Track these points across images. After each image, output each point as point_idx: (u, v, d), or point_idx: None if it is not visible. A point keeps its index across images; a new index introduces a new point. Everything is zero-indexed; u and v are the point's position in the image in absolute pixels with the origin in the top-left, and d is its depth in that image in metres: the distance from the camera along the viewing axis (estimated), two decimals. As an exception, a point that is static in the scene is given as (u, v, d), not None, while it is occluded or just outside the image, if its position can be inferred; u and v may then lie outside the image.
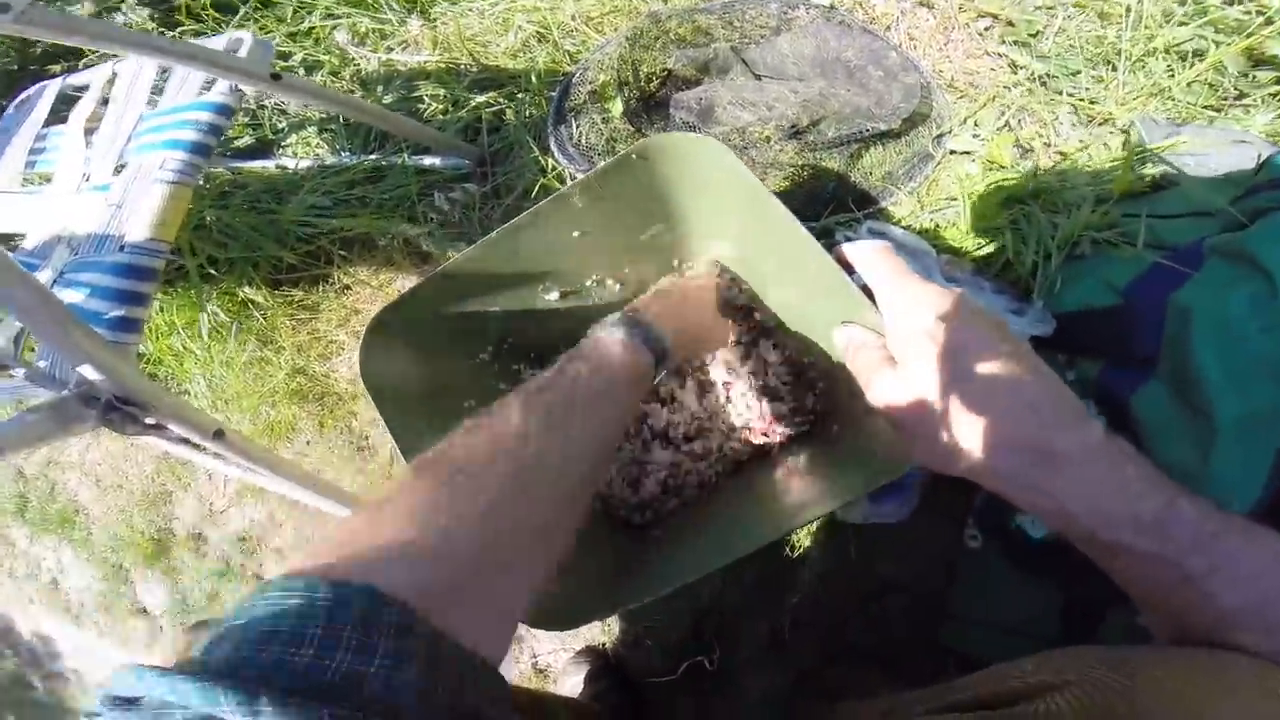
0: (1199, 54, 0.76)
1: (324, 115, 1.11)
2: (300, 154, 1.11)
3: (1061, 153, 0.78)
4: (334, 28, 1.11)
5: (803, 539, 0.78)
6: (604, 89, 0.89)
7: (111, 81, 0.83)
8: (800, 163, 0.80)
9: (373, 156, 1.03)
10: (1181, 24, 0.76)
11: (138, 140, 0.75)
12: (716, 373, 0.69)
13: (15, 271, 0.47)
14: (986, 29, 0.87)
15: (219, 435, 0.64)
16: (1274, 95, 0.73)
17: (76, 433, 0.57)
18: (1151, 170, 0.70)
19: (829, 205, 0.81)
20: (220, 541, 1.12)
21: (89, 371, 0.54)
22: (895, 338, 0.38)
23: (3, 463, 1.39)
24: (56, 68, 1.20)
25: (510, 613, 0.34)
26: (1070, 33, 0.82)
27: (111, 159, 0.75)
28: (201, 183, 0.90)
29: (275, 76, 0.72)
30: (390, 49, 1.09)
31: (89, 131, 0.81)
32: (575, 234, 0.60)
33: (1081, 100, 0.79)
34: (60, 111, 0.87)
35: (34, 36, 0.59)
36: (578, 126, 0.91)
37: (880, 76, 0.82)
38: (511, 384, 0.68)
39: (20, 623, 1.44)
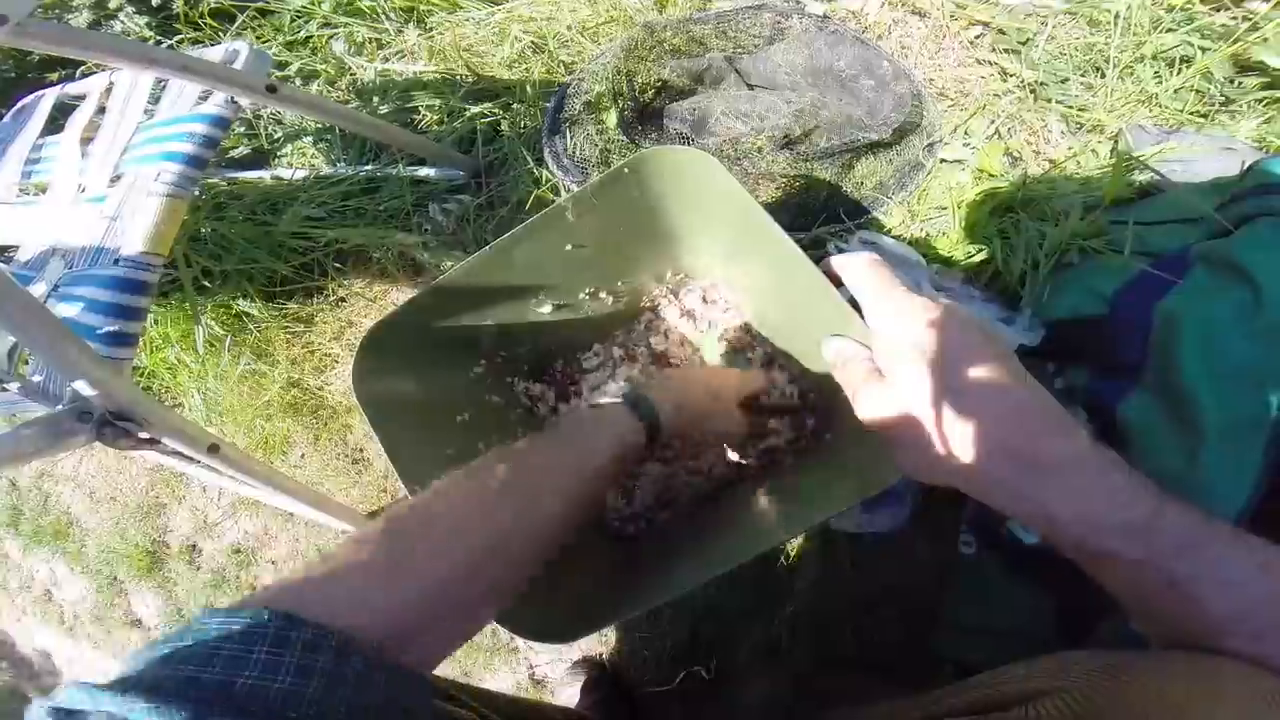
0: (1186, 60, 0.77)
1: (320, 125, 1.12)
2: (296, 164, 1.11)
3: (1051, 160, 0.79)
4: (331, 37, 1.12)
5: (797, 548, 0.78)
6: (599, 100, 0.89)
7: (108, 91, 0.83)
8: (793, 173, 0.80)
9: (368, 167, 1.03)
10: (1169, 31, 0.77)
11: (133, 151, 0.75)
12: None
13: (9, 286, 0.47)
14: (978, 37, 0.88)
15: (214, 450, 0.65)
16: (1260, 101, 0.74)
17: (70, 448, 0.57)
18: (1140, 177, 0.71)
19: (821, 215, 0.81)
20: (214, 553, 1.12)
21: (83, 387, 0.54)
22: (882, 350, 0.38)
23: (-3, 475, 1.38)
24: (54, 76, 1.20)
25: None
26: (1060, 40, 0.83)
27: (107, 170, 0.76)
28: (197, 194, 0.90)
29: (271, 89, 0.73)
30: (387, 59, 1.10)
31: (85, 141, 0.81)
32: (568, 247, 0.60)
33: (1071, 108, 0.80)
34: (57, 121, 0.87)
35: (30, 48, 0.59)
36: (573, 138, 0.91)
37: (872, 86, 0.82)
38: (504, 398, 0.68)
39: (14, 635, 1.43)
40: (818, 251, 0.78)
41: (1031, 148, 0.81)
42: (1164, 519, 0.31)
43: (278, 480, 0.77)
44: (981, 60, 0.86)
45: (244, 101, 0.77)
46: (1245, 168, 0.61)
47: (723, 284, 0.71)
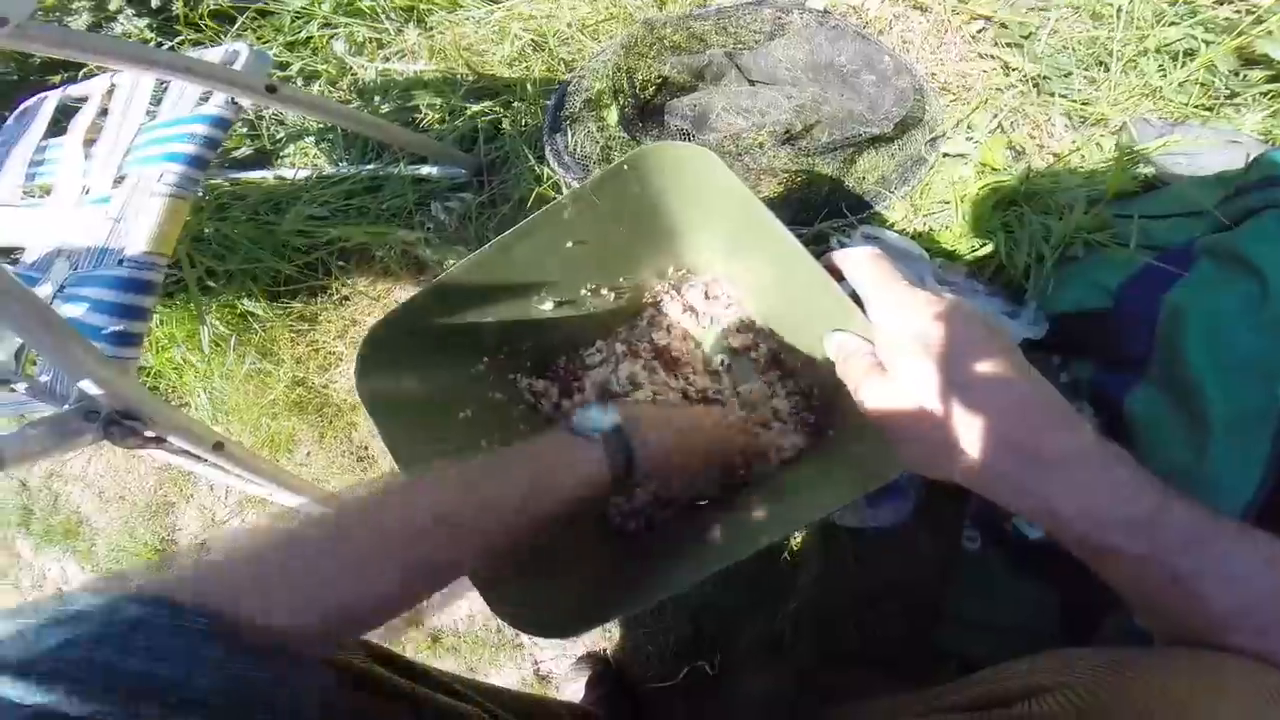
0: (1190, 54, 0.76)
1: (322, 125, 1.12)
2: (298, 164, 1.11)
3: (1054, 154, 0.79)
4: (331, 37, 1.12)
5: (800, 544, 0.78)
6: (599, 97, 0.89)
7: (110, 93, 0.84)
8: (794, 168, 0.80)
9: (370, 166, 1.04)
10: (1172, 24, 0.77)
11: (136, 152, 0.76)
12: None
13: (16, 288, 0.47)
14: (980, 31, 0.87)
15: (219, 448, 0.65)
16: (1265, 94, 0.73)
17: (78, 447, 0.57)
18: (1144, 171, 0.70)
19: (823, 210, 0.81)
20: (223, 551, 1.13)
21: (89, 386, 0.54)
22: (884, 344, 0.38)
23: (6, 476, 1.40)
24: (56, 78, 1.21)
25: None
26: (1063, 34, 0.82)
27: (110, 171, 0.76)
28: (200, 194, 0.91)
29: (271, 89, 0.73)
30: (387, 58, 1.10)
31: (88, 143, 0.82)
32: (569, 244, 0.60)
33: (1074, 101, 0.80)
34: (60, 123, 0.87)
35: (31, 50, 0.59)
36: (573, 135, 0.91)
37: (873, 81, 0.82)
38: (507, 394, 0.68)
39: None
40: (820, 247, 0.78)
41: (1035, 141, 0.80)
42: (1168, 514, 0.30)
43: (284, 478, 0.77)
44: (984, 54, 0.86)
45: (245, 102, 0.77)
46: (1250, 160, 0.60)
47: (725, 280, 0.71)
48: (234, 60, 0.74)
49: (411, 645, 0.93)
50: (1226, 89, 0.75)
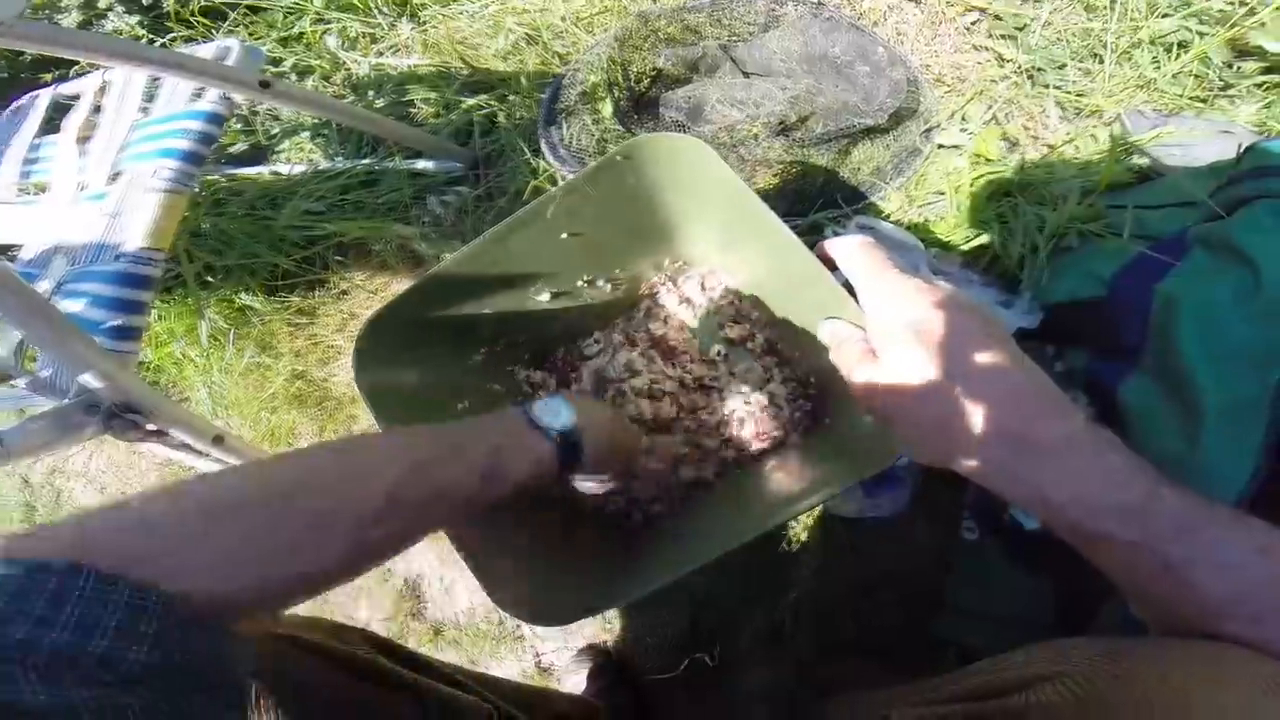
0: (1184, 46, 0.76)
1: (317, 120, 1.12)
2: (294, 159, 1.11)
3: (1049, 145, 0.79)
4: (324, 32, 1.12)
5: (798, 534, 0.79)
6: (594, 90, 0.89)
7: (103, 90, 0.84)
8: (789, 159, 0.80)
9: (366, 161, 1.04)
10: (1165, 16, 0.77)
11: (131, 149, 0.76)
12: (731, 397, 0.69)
13: (15, 283, 0.47)
14: (974, 23, 0.87)
15: (219, 441, 0.65)
16: (1259, 86, 0.74)
17: (79, 440, 0.58)
18: (1138, 162, 0.71)
19: (818, 201, 0.81)
20: (223, 546, 1.13)
21: (90, 380, 0.54)
22: (875, 331, 0.38)
23: (8, 471, 1.40)
24: (47, 76, 1.20)
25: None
26: (1057, 26, 0.82)
27: (106, 168, 0.76)
28: (196, 190, 0.91)
29: (264, 84, 0.73)
30: (381, 53, 1.10)
31: (82, 140, 0.81)
32: (564, 235, 0.60)
33: (1068, 93, 0.80)
34: (53, 120, 0.87)
35: (23, 48, 0.59)
36: (569, 128, 0.91)
37: (868, 72, 0.82)
38: (505, 385, 0.69)
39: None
40: (815, 237, 0.78)
41: (1029, 133, 0.81)
42: (1160, 501, 0.30)
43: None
44: (978, 46, 0.86)
45: (238, 98, 0.78)
46: (1242, 150, 0.61)
47: (720, 271, 0.71)
48: (226, 56, 0.74)
49: (414, 637, 0.94)
50: (1220, 81, 0.75)
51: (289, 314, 1.06)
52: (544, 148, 0.93)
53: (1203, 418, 0.51)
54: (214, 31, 1.13)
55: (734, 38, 0.89)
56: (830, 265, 0.43)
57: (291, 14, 1.13)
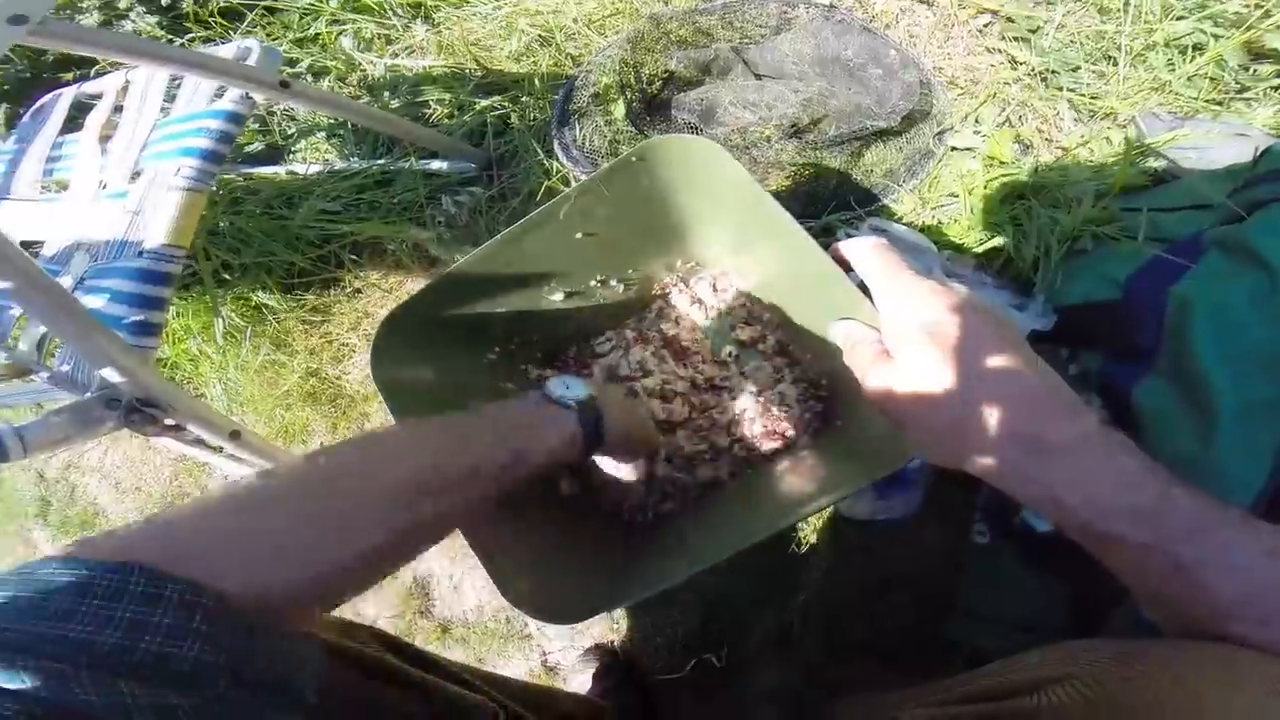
0: (1199, 48, 0.76)
1: (332, 121, 1.13)
2: (310, 159, 1.12)
3: (1063, 148, 0.79)
4: (340, 34, 1.13)
5: (809, 536, 0.79)
6: (606, 91, 0.90)
7: (125, 89, 0.85)
8: (801, 162, 0.81)
9: (381, 161, 1.05)
10: (1180, 18, 0.77)
11: (152, 148, 0.77)
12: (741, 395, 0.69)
13: (43, 279, 0.48)
14: (986, 25, 0.87)
15: (235, 436, 0.66)
16: (1275, 88, 0.73)
17: (99, 434, 0.59)
18: (1153, 164, 0.71)
19: (831, 203, 0.81)
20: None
21: (111, 374, 0.55)
22: (890, 332, 0.39)
23: (24, 466, 1.42)
24: (69, 75, 1.22)
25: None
26: (1070, 28, 0.82)
27: (127, 166, 0.77)
28: (215, 189, 0.92)
29: (284, 84, 0.74)
30: (396, 54, 1.11)
31: (104, 139, 0.83)
32: (578, 236, 0.61)
33: (1082, 95, 0.80)
34: (75, 119, 0.88)
35: (49, 47, 0.60)
36: (581, 129, 0.92)
37: (880, 74, 0.82)
38: (518, 384, 0.69)
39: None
40: (828, 239, 0.79)
41: (1043, 135, 0.80)
42: (1172, 503, 0.30)
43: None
44: (991, 48, 0.86)
45: (258, 97, 0.78)
46: (1259, 153, 0.60)
47: (733, 272, 0.72)
48: (246, 56, 0.75)
49: (421, 635, 0.95)
50: (1236, 83, 0.75)
51: (304, 312, 1.07)
52: (557, 149, 0.94)
53: (1218, 420, 0.51)
54: (231, 32, 1.15)
55: (746, 40, 0.90)
56: (845, 267, 0.44)
57: (308, 15, 1.14)
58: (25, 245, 0.83)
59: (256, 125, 1.17)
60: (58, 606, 0.25)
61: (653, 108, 0.90)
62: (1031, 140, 0.80)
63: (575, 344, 0.74)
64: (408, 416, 0.55)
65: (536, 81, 0.99)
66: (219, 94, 0.78)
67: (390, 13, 1.10)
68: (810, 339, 0.63)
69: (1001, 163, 0.78)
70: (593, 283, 0.68)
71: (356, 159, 1.07)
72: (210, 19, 1.14)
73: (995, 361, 0.34)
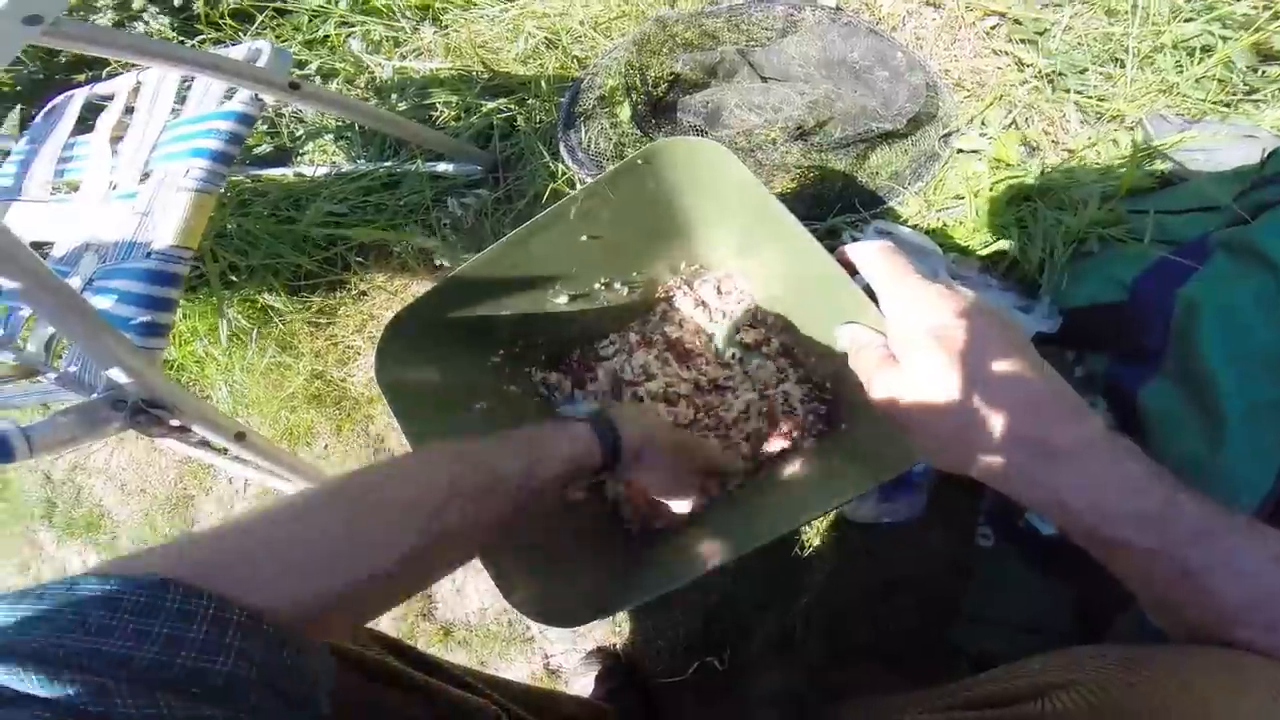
0: (1207, 50, 0.76)
1: (340, 123, 1.14)
2: (317, 161, 1.13)
3: (1069, 150, 0.78)
4: (348, 36, 1.14)
5: (812, 539, 0.79)
6: (612, 94, 0.90)
7: (136, 91, 0.86)
8: (807, 164, 0.81)
9: (388, 163, 1.05)
10: (1188, 20, 0.76)
11: (162, 149, 0.78)
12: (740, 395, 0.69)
13: (50, 279, 0.49)
14: (993, 27, 0.87)
15: (240, 437, 0.66)
16: (1284, 90, 0.73)
17: (105, 435, 0.59)
18: (1160, 166, 0.70)
19: (836, 206, 0.81)
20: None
21: (118, 375, 0.56)
22: (896, 336, 0.38)
23: (31, 467, 1.42)
24: (81, 76, 1.23)
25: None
26: (1077, 30, 0.82)
27: (137, 167, 0.78)
28: (223, 190, 0.92)
29: (294, 86, 0.74)
30: (403, 56, 1.11)
31: (115, 140, 0.83)
32: (583, 238, 0.61)
33: (1089, 97, 0.79)
34: (86, 121, 0.89)
35: (62, 47, 0.61)
36: (587, 132, 0.92)
37: (886, 77, 0.82)
38: (521, 387, 0.69)
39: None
40: (833, 241, 0.78)
41: (1049, 137, 0.80)
42: (1178, 508, 0.30)
43: (302, 469, 0.79)
44: (998, 51, 0.86)
45: (268, 99, 0.79)
46: (1266, 155, 0.60)
47: (738, 275, 0.72)
48: (257, 58, 0.75)
49: (424, 637, 0.95)
50: (1245, 85, 0.74)
51: (309, 314, 1.08)
52: (563, 151, 0.94)
53: (1225, 422, 0.51)
54: (241, 34, 1.15)
55: (752, 43, 0.90)
56: (850, 270, 0.44)
57: (317, 17, 1.15)
58: (35, 246, 0.83)
59: (265, 127, 1.18)
60: (95, 622, 0.26)
61: (658, 110, 0.90)
62: (1038, 142, 0.80)
63: (579, 347, 0.74)
64: (411, 420, 0.55)
65: (543, 84, 0.99)
66: (229, 95, 0.78)
67: (399, 15, 1.11)
68: (815, 342, 0.63)
69: (1008, 165, 0.78)
70: (597, 285, 0.68)
71: (364, 161, 1.08)
72: (221, 21, 1.15)
73: (1001, 366, 0.34)
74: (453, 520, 0.39)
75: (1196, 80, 0.75)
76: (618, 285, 0.69)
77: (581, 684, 0.82)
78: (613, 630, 0.86)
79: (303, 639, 0.31)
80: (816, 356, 0.66)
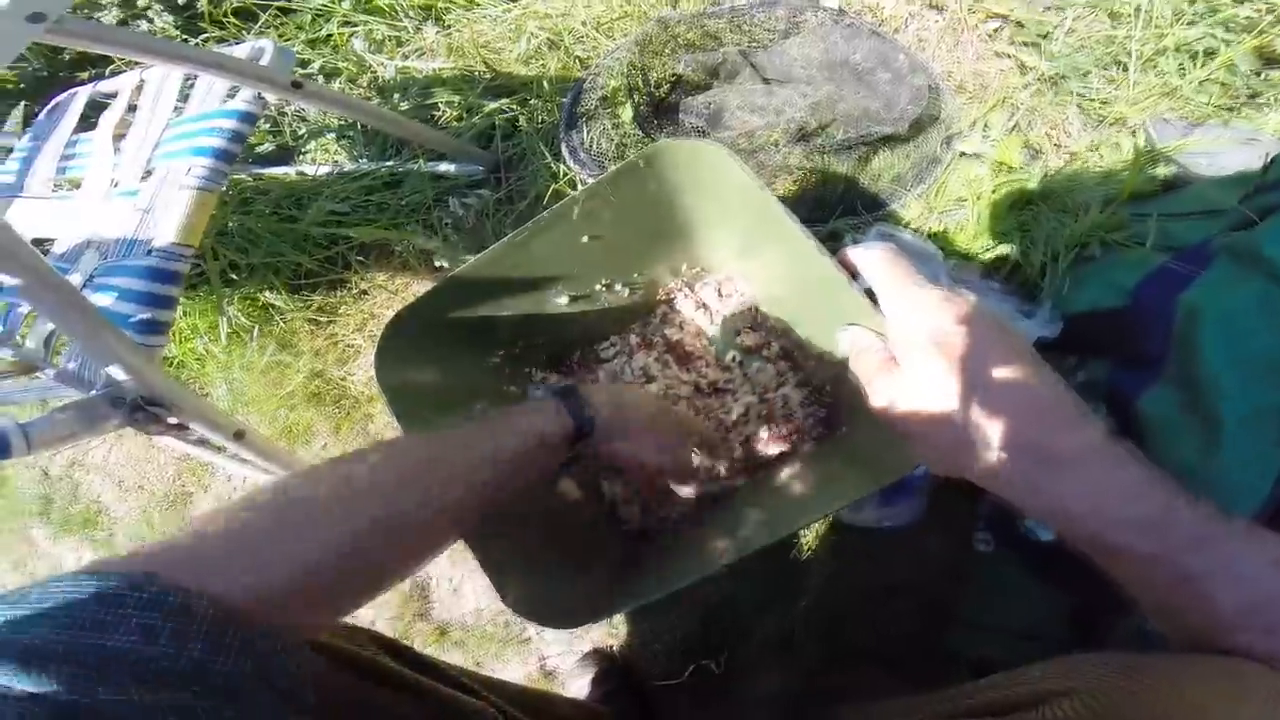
0: (1210, 53, 0.76)
1: (343, 122, 1.14)
2: (319, 160, 1.13)
3: (1071, 154, 0.78)
4: (351, 35, 1.14)
5: (811, 541, 0.78)
6: (614, 95, 0.90)
7: (139, 89, 0.86)
8: (809, 166, 0.81)
9: (390, 163, 1.05)
10: (1191, 23, 0.76)
11: (165, 147, 0.78)
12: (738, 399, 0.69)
13: (50, 276, 0.49)
14: (996, 30, 0.87)
15: (239, 436, 0.66)
16: (1288, 95, 0.73)
17: (104, 432, 0.59)
18: (1162, 170, 0.70)
19: (838, 208, 0.81)
20: (239, 540, 1.14)
21: (117, 372, 0.56)
22: (897, 341, 0.38)
23: (29, 463, 1.42)
24: (84, 74, 1.23)
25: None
26: (1080, 33, 0.82)
27: (139, 165, 0.78)
28: (225, 188, 0.92)
29: (296, 85, 0.74)
30: (406, 56, 1.11)
31: (118, 138, 0.83)
32: (584, 239, 0.61)
33: (1092, 101, 0.79)
34: (89, 118, 0.89)
35: (66, 45, 0.61)
36: (589, 132, 0.92)
37: (889, 79, 0.82)
38: (520, 387, 0.69)
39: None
40: (834, 244, 0.78)
41: (1052, 141, 0.80)
42: (1178, 513, 0.30)
43: (300, 467, 0.78)
44: (1000, 53, 0.85)
45: (270, 97, 0.79)
46: (1269, 160, 0.60)
47: (738, 277, 0.72)
48: (260, 57, 0.75)
49: (419, 637, 0.94)
50: (1247, 88, 0.74)
51: (310, 313, 1.08)
52: (564, 151, 0.94)
53: (1224, 426, 0.51)
54: (244, 33, 1.15)
55: (754, 44, 0.90)
56: (852, 273, 0.43)
57: (320, 16, 1.15)
58: (37, 243, 0.83)
59: (268, 126, 1.18)
60: (93, 618, 0.26)
61: (660, 111, 0.90)
62: (1040, 146, 0.80)
63: (579, 348, 0.74)
64: (411, 420, 0.55)
65: (545, 84, 0.99)
66: (231, 94, 0.78)
67: (401, 15, 1.11)
68: (815, 345, 0.63)
69: (1010, 169, 0.78)
70: (598, 287, 0.68)
71: (365, 160, 1.08)
72: (224, 19, 1.15)
73: (1002, 372, 0.34)
74: (406, 505, 0.39)
75: (1199, 84, 0.75)
76: (618, 287, 0.69)
77: (577, 686, 0.82)
78: (609, 632, 0.86)
79: (285, 631, 0.31)
80: (817, 360, 0.66)
